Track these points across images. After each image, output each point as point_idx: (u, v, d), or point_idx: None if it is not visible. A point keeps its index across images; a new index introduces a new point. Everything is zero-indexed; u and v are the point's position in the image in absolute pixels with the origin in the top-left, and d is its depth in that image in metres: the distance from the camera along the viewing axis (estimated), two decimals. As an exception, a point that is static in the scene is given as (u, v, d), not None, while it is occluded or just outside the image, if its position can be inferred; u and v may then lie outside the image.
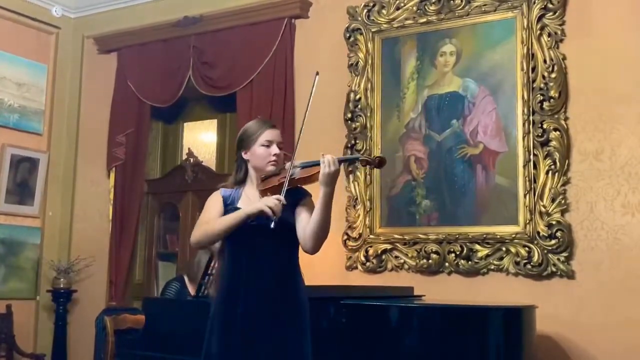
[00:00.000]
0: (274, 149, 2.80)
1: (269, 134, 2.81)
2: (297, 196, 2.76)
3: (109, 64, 5.98)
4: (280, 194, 2.64)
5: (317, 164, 2.65)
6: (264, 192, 2.74)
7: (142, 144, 5.77)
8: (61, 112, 6.13)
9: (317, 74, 2.77)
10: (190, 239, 2.82)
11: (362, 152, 4.62)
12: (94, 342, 4.87)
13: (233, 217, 2.70)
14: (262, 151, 2.79)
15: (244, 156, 2.85)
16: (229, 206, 2.80)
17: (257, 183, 2.81)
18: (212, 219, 2.76)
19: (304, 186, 2.77)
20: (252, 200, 2.77)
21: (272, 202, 2.58)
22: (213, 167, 5.71)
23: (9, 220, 5.74)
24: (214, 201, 2.84)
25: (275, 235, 2.65)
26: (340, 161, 2.62)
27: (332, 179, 2.59)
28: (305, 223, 2.70)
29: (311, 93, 2.77)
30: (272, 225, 2.57)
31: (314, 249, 2.70)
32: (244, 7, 5.30)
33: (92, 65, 6.15)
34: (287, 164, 2.76)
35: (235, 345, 2.67)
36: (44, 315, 5.90)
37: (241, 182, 2.86)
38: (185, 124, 6.05)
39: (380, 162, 2.66)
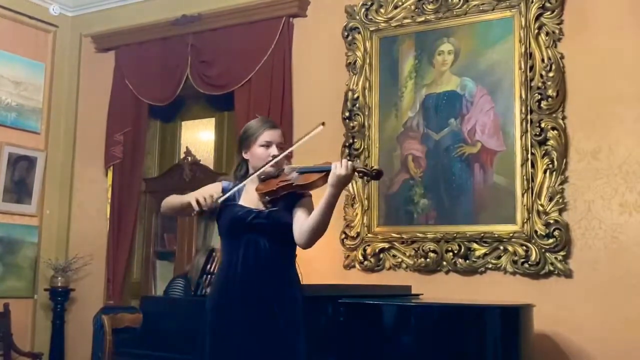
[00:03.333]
0: (273, 150, 2.79)
1: (268, 135, 2.82)
2: (297, 197, 2.78)
3: (106, 62, 5.98)
4: (277, 198, 2.71)
5: (318, 170, 2.66)
6: (261, 195, 2.77)
7: (139, 142, 5.76)
8: (59, 110, 6.12)
9: (323, 124, 2.74)
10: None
11: (360, 154, 4.64)
12: (91, 341, 4.87)
13: (178, 199, 2.88)
14: (260, 152, 2.81)
15: (244, 156, 2.87)
16: (230, 201, 2.82)
17: (257, 182, 2.82)
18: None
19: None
20: (252, 199, 2.81)
21: (202, 197, 2.68)
22: (211, 166, 5.70)
23: (7, 219, 5.73)
24: (209, 187, 2.90)
25: (270, 234, 2.71)
26: (355, 168, 2.60)
27: (339, 182, 2.59)
28: (302, 220, 2.71)
29: (307, 135, 2.77)
30: (192, 214, 2.72)
31: (308, 243, 2.71)
32: (242, 6, 5.29)
33: (90, 64, 6.14)
34: (287, 167, 2.77)
35: (227, 339, 2.70)
36: (42, 314, 5.89)
37: (241, 178, 2.88)
38: (183, 123, 6.05)
39: (377, 174, 2.65)
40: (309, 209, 2.75)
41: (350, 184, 4.63)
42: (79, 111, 6.16)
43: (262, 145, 2.80)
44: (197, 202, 2.67)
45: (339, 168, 2.58)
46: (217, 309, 2.78)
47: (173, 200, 2.93)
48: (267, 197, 2.74)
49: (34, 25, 6.00)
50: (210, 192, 2.72)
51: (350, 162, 2.60)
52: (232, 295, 2.73)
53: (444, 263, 4.38)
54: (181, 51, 5.54)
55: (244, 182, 2.80)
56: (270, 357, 2.67)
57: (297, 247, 2.80)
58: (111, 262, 5.66)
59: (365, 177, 2.67)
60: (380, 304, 3.43)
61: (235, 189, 2.78)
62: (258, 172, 2.78)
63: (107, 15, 6.03)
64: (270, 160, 2.77)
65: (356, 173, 2.63)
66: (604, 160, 4.02)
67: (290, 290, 2.77)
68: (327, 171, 2.63)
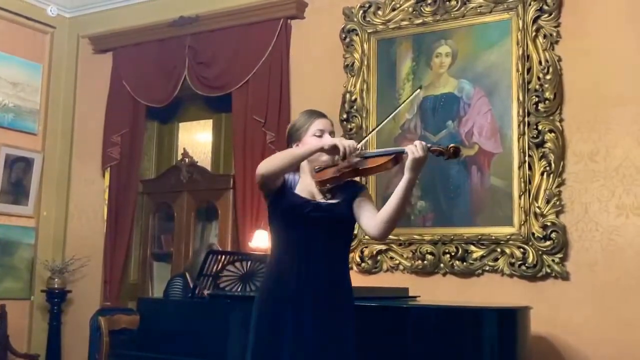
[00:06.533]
0: (327, 138, 2.67)
1: (320, 124, 2.69)
2: (353, 189, 2.68)
3: (104, 63, 5.97)
4: (341, 184, 2.59)
5: (387, 153, 2.57)
6: (321, 184, 2.63)
7: (137, 144, 5.76)
8: (56, 111, 6.12)
9: (420, 88, 2.63)
10: (257, 170, 2.62)
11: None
12: (88, 343, 4.86)
13: (302, 149, 2.60)
14: (314, 142, 2.66)
15: None
16: (286, 186, 2.67)
17: (312, 174, 2.68)
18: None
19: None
20: (309, 189, 2.67)
21: (348, 144, 2.50)
22: (208, 168, 5.71)
23: (4, 220, 5.73)
24: None
25: (329, 228, 2.57)
26: (429, 149, 2.51)
27: (419, 165, 2.50)
28: (371, 213, 2.62)
29: (404, 101, 2.65)
30: (338, 159, 2.50)
31: (385, 235, 2.63)
32: (240, 8, 5.30)
33: (87, 65, 6.14)
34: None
35: (278, 334, 2.56)
36: (38, 316, 5.89)
37: (294, 172, 2.74)
38: (180, 124, 6.05)
39: (455, 152, 2.51)
40: (372, 201, 2.69)
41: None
42: (76, 112, 6.15)
43: (315, 135, 2.67)
44: (344, 149, 2.48)
45: (416, 151, 2.48)
46: (268, 304, 2.61)
47: (286, 154, 2.60)
48: (327, 185, 2.61)
49: (32, 26, 6.00)
50: (354, 144, 2.53)
51: (424, 143, 2.51)
52: (285, 291, 2.57)
53: (441, 265, 4.38)
54: (179, 52, 5.54)
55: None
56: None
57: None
58: (108, 264, 5.65)
59: (442, 156, 2.52)
60: (377, 306, 3.43)
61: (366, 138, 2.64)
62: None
63: (105, 16, 6.03)
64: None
65: (431, 153, 2.52)
66: (601, 163, 4.02)
67: (344, 288, 2.64)
68: (397, 153, 2.54)
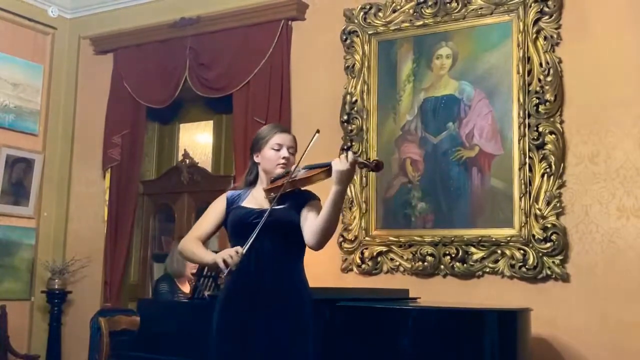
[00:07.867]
0: (284, 152, 2.86)
1: (279, 138, 2.88)
2: (304, 198, 2.83)
3: (105, 64, 5.97)
4: (283, 196, 2.72)
5: (321, 166, 2.73)
6: (267, 192, 2.81)
7: (137, 145, 5.76)
8: (57, 112, 6.12)
9: (318, 132, 2.78)
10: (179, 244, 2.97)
11: (358, 154, 4.65)
12: (88, 344, 4.86)
13: (200, 256, 2.82)
14: (271, 154, 2.86)
15: (255, 159, 2.93)
16: (231, 207, 2.89)
17: (267, 183, 2.87)
18: (199, 232, 2.90)
19: (308, 187, 2.84)
20: (257, 200, 2.87)
21: (228, 255, 2.62)
22: (209, 169, 5.71)
23: (4, 221, 5.72)
24: (213, 208, 2.94)
25: (273, 233, 2.71)
26: (355, 161, 2.64)
27: (342, 177, 2.62)
28: (311, 222, 2.74)
29: (307, 147, 2.78)
30: (223, 276, 2.68)
31: (319, 245, 2.75)
32: (241, 9, 5.30)
33: (88, 66, 6.14)
34: (293, 167, 2.83)
35: (234, 340, 2.73)
36: (39, 316, 5.88)
37: (251, 183, 2.96)
38: (181, 125, 6.05)
39: (377, 166, 2.68)
40: (318, 209, 2.79)
41: (349, 188, 4.63)
42: (77, 113, 6.15)
43: (273, 149, 2.86)
44: (224, 262, 2.63)
45: (338, 164, 2.62)
46: (224, 312, 2.81)
47: (192, 253, 2.88)
48: (272, 194, 2.79)
49: (33, 27, 6.00)
50: (235, 249, 2.65)
51: (349, 155, 2.64)
52: (238, 300, 2.76)
53: (442, 267, 4.38)
54: (180, 54, 5.54)
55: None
56: None
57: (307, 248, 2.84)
58: (108, 265, 5.65)
59: (365, 169, 2.69)
60: (377, 307, 3.43)
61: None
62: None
63: (106, 17, 6.03)
64: (281, 163, 2.84)
65: (357, 166, 2.67)
66: (602, 165, 4.02)
67: (296, 292, 2.79)
68: (328, 166, 2.68)
